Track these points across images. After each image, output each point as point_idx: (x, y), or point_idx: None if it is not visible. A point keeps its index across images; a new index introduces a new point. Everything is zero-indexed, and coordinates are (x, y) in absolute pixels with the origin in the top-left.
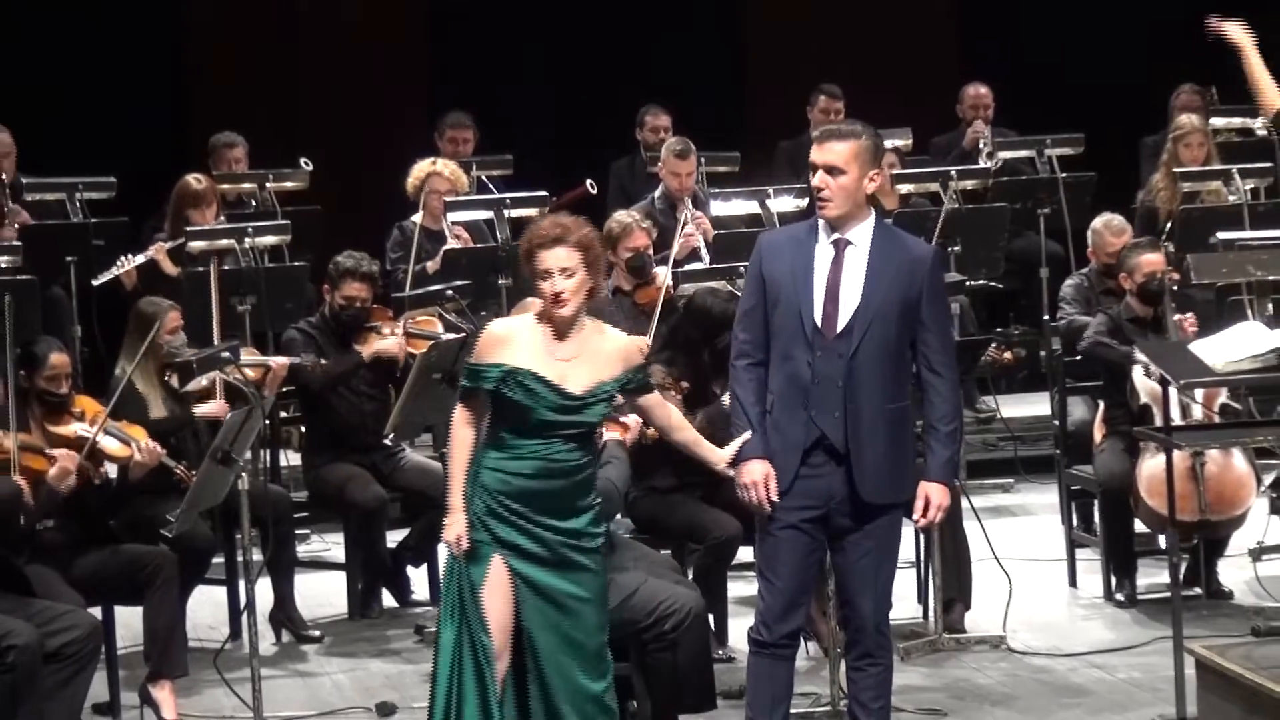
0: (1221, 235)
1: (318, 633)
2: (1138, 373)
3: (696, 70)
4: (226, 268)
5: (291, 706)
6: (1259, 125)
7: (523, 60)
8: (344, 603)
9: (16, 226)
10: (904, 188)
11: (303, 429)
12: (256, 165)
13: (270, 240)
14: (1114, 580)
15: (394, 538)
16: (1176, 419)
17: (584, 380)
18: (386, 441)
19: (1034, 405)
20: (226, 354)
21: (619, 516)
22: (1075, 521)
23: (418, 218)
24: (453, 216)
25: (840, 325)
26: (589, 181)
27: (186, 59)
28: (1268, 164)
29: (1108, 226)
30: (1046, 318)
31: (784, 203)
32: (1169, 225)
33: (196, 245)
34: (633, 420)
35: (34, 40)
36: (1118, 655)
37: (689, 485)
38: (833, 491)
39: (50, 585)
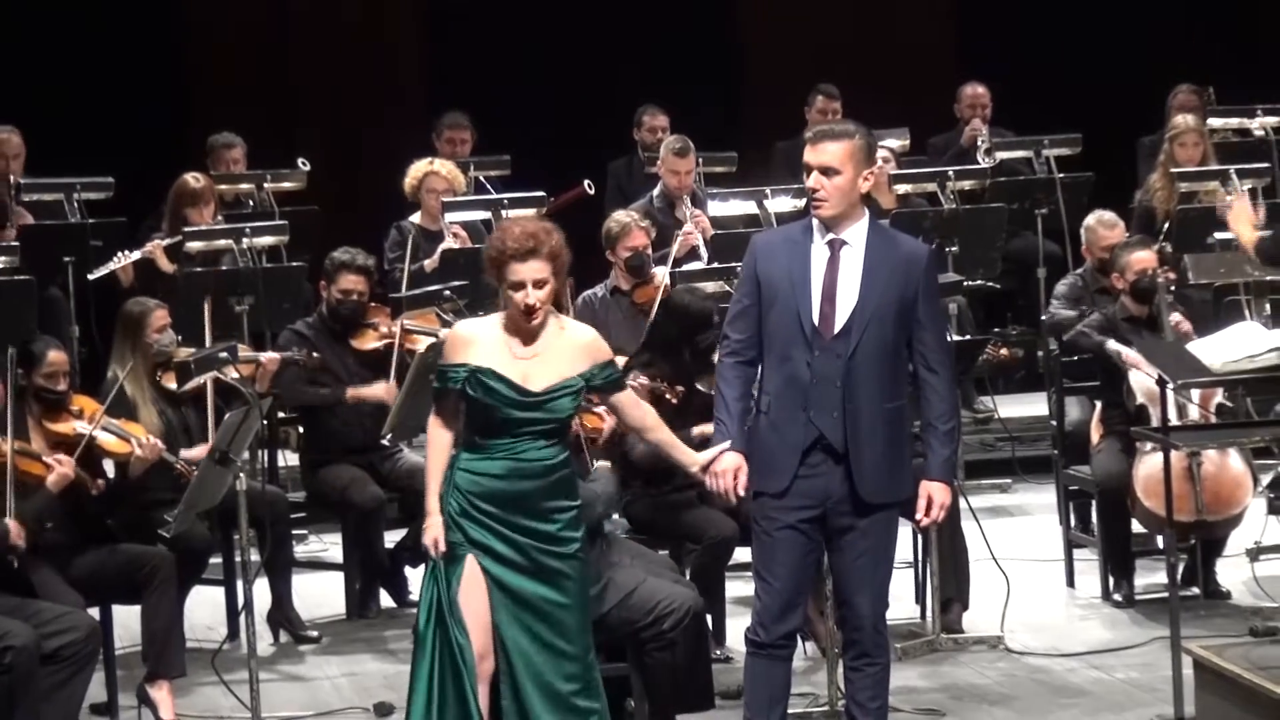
0: (1219, 235)
1: (315, 633)
2: (1134, 372)
3: (694, 70)
4: (224, 267)
5: (289, 707)
6: (1257, 126)
7: (521, 60)
8: (342, 603)
9: (16, 227)
10: (901, 188)
11: (300, 429)
12: (254, 165)
13: (268, 240)
14: (1112, 580)
15: (392, 538)
16: (1173, 419)
17: (547, 377)
18: (384, 442)
19: (1031, 405)
20: (224, 354)
21: (615, 516)
22: (1073, 522)
23: (416, 218)
24: (450, 217)
25: (838, 325)
26: (586, 182)
27: (186, 59)
28: (1265, 164)
29: (1100, 222)
30: (1044, 318)
31: (781, 203)
32: (1166, 225)
33: (194, 245)
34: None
35: (34, 40)
36: (1115, 655)
37: (685, 485)
38: (830, 491)
39: (50, 585)
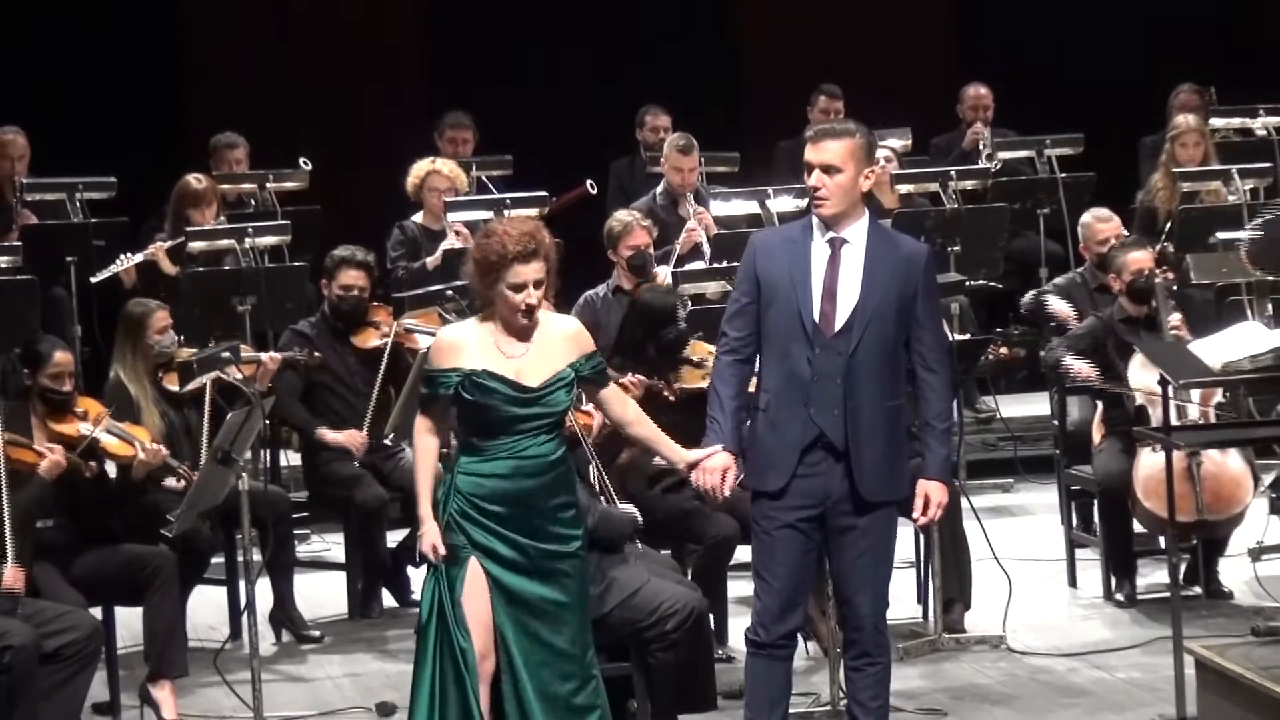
0: (1221, 235)
1: (318, 633)
2: (1133, 373)
3: (695, 70)
4: (227, 267)
5: (291, 707)
6: (1258, 126)
7: (521, 60)
8: (344, 603)
9: (18, 228)
10: (904, 187)
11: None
12: (256, 165)
13: (270, 240)
14: (1113, 580)
15: (394, 538)
16: (1172, 419)
17: (540, 372)
18: (386, 442)
19: (1033, 405)
20: (226, 354)
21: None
22: (1075, 521)
23: (418, 218)
24: (452, 216)
25: (838, 323)
26: (589, 182)
27: (186, 59)
28: (1267, 164)
29: (1094, 217)
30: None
31: (784, 203)
32: (1168, 225)
33: (197, 245)
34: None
35: (34, 40)
36: (1117, 655)
37: (687, 484)
38: (830, 490)
39: (51, 585)
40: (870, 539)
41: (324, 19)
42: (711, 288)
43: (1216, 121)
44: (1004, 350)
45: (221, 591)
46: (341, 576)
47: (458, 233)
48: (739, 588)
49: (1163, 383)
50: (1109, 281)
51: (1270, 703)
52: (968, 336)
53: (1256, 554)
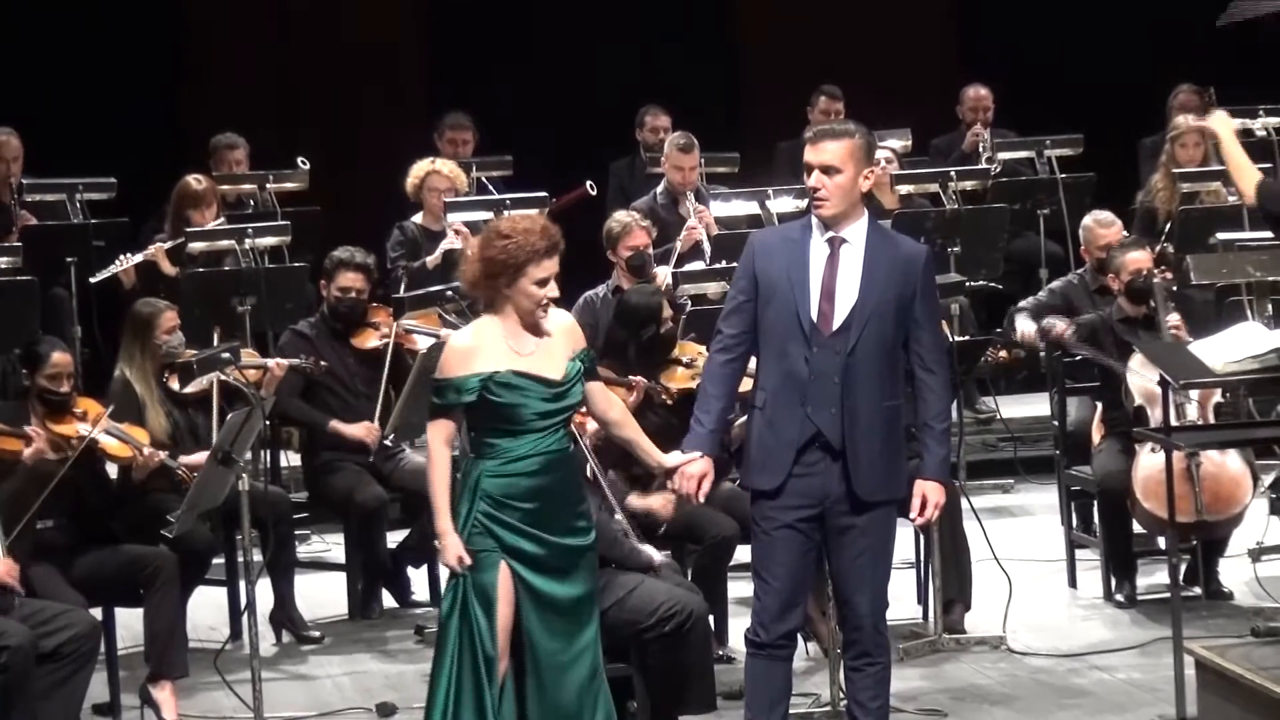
0: (1221, 236)
1: (318, 633)
2: (1132, 374)
3: (695, 71)
4: (226, 268)
5: (292, 707)
6: (1258, 126)
7: (522, 60)
8: (344, 603)
9: (18, 229)
10: (904, 188)
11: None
12: (256, 166)
13: (270, 241)
14: (1113, 581)
15: (394, 538)
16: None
17: (554, 367)
18: (386, 442)
19: (1033, 406)
20: (226, 355)
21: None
22: (1075, 522)
23: (418, 218)
24: (452, 217)
25: (836, 322)
26: (589, 183)
27: (186, 59)
28: (1267, 164)
29: (1096, 221)
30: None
31: (784, 203)
32: (1168, 226)
33: (197, 246)
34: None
35: (33, 40)
36: (1117, 656)
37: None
38: (828, 490)
39: (51, 585)
40: (869, 539)
41: (324, 19)
42: (711, 288)
43: None
44: (1003, 353)
45: (222, 592)
46: (341, 577)
47: (458, 232)
48: (739, 588)
49: (1162, 383)
50: (1108, 282)
51: (1270, 703)
52: (967, 337)
53: (1256, 554)
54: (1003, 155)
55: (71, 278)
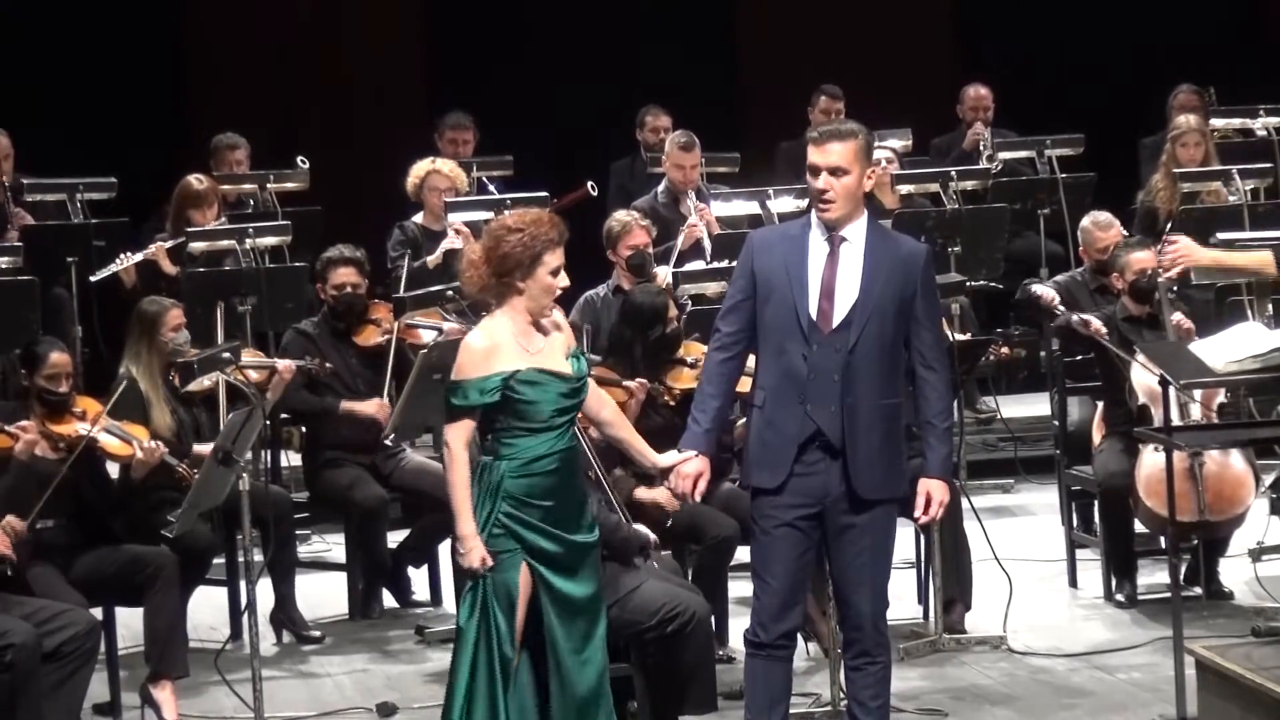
0: (1221, 235)
1: (318, 633)
2: (1135, 372)
3: (695, 71)
4: (227, 268)
5: (292, 707)
6: (1258, 126)
7: (522, 60)
8: (345, 603)
9: (17, 229)
10: (904, 188)
11: (303, 430)
12: (256, 166)
13: (271, 241)
14: (1114, 580)
15: (394, 538)
16: (1175, 419)
17: (562, 363)
18: (387, 442)
19: (1034, 405)
20: (228, 354)
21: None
22: (1075, 522)
23: (419, 218)
24: (453, 217)
25: (836, 320)
26: (590, 183)
27: (186, 59)
28: (1267, 164)
29: (1095, 223)
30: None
31: (784, 203)
32: (1169, 225)
33: (198, 246)
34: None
35: (33, 40)
36: (1118, 656)
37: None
38: (828, 489)
39: (51, 585)
40: (869, 537)
41: (325, 18)
42: (711, 288)
43: (1216, 122)
44: (1004, 350)
45: (222, 592)
46: (342, 577)
47: (458, 232)
48: (739, 588)
49: (1163, 383)
50: (1112, 280)
51: (1271, 703)
52: (968, 337)
53: (1257, 554)
54: (1003, 155)
55: (72, 278)
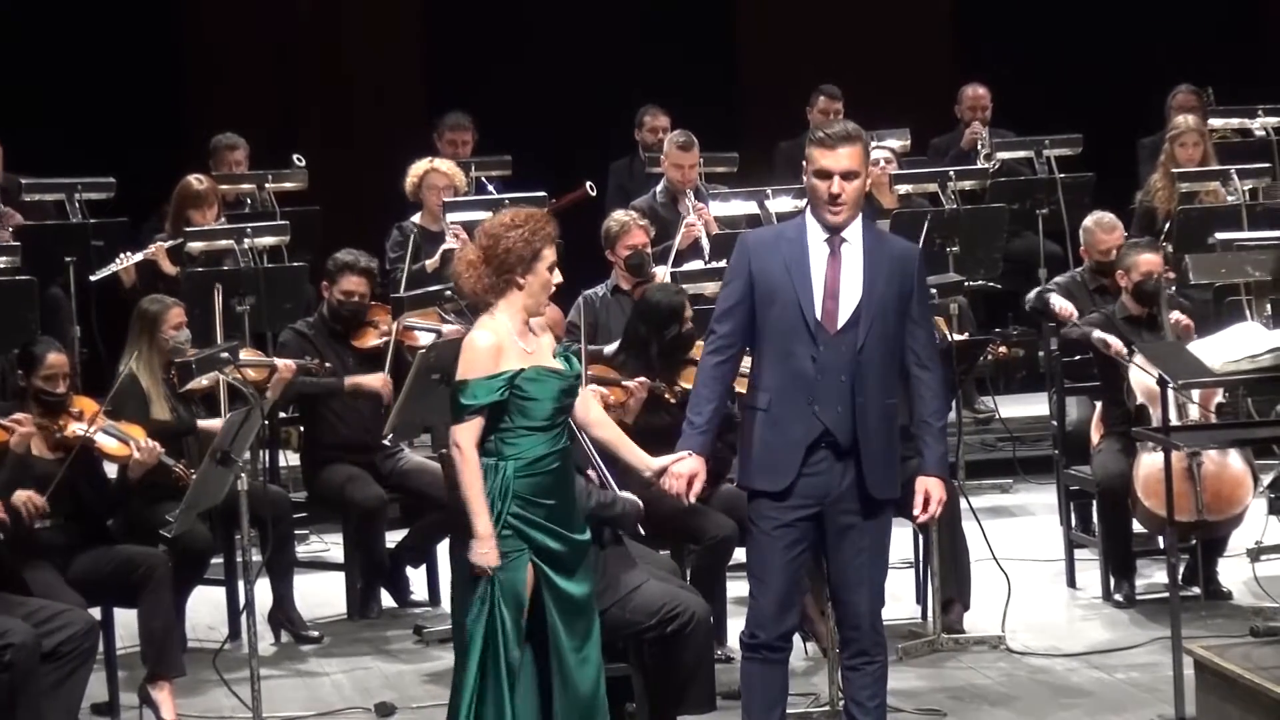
0: (1220, 235)
1: (317, 633)
2: (1134, 372)
3: (694, 71)
4: (225, 268)
5: (291, 707)
6: (1258, 126)
7: (522, 61)
8: (343, 603)
9: (11, 229)
10: (903, 188)
11: (302, 429)
12: (256, 166)
13: (269, 241)
14: (1112, 580)
15: (393, 538)
16: (1173, 419)
17: (551, 360)
18: (385, 442)
19: (1032, 405)
20: (226, 354)
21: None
22: (1074, 522)
23: (417, 218)
24: (451, 217)
25: (841, 320)
26: (589, 184)
27: (186, 59)
28: (1266, 164)
29: (1099, 224)
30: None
31: (783, 203)
32: (1167, 225)
33: (196, 245)
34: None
35: (33, 40)
36: (1116, 655)
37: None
38: (830, 489)
39: (50, 586)
40: (870, 537)
41: (324, 19)
42: (710, 288)
43: (1215, 122)
44: (1003, 350)
45: (221, 592)
46: (341, 577)
47: (456, 234)
48: (738, 588)
49: (1161, 383)
50: (1116, 278)
51: (1269, 703)
52: (966, 336)
53: (1255, 554)
54: (1002, 155)
55: (70, 278)
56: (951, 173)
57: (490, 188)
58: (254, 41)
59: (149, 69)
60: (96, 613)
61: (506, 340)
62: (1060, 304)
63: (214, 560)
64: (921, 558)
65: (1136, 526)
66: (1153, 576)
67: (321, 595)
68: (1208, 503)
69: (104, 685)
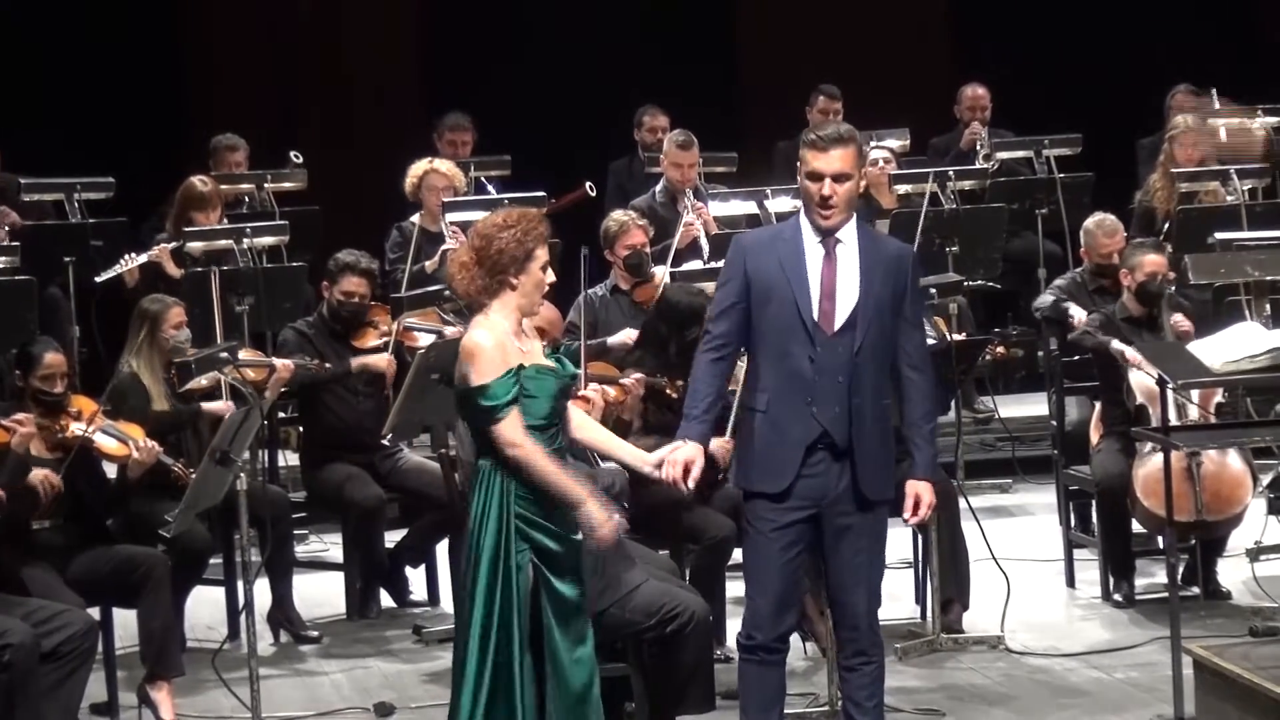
0: (1219, 235)
1: (316, 633)
2: (1134, 372)
3: (694, 71)
4: (225, 268)
5: (290, 707)
6: (1257, 126)
7: (521, 61)
8: (342, 603)
9: (7, 228)
10: (902, 188)
11: (301, 429)
12: (255, 166)
13: (268, 241)
14: (1112, 580)
15: (392, 538)
16: (1173, 419)
17: (543, 359)
18: (385, 442)
19: (1032, 405)
20: (225, 354)
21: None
22: (1073, 521)
23: (417, 218)
24: (450, 217)
25: (839, 321)
26: (588, 184)
27: (186, 59)
28: (1265, 164)
29: (1100, 227)
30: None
31: (782, 203)
32: (1166, 225)
33: (195, 246)
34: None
35: (32, 40)
36: (1115, 655)
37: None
38: (828, 490)
39: (49, 586)
40: (867, 537)
41: (324, 19)
42: (709, 287)
43: (1215, 122)
44: (1002, 350)
45: (220, 592)
46: (340, 577)
47: (454, 235)
48: (737, 588)
49: (1161, 383)
50: (1120, 277)
51: (1268, 703)
52: (965, 336)
53: (1255, 554)
54: (1001, 155)
55: (69, 278)
56: (951, 173)
57: (490, 188)
58: (254, 41)
59: (149, 69)
60: (95, 613)
61: (505, 339)
62: (1075, 312)
63: (213, 560)
64: (921, 558)
65: (1136, 526)
66: (1152, 576)
67: (321, 595)
68: (1207, 503)
69: (103, 685)
